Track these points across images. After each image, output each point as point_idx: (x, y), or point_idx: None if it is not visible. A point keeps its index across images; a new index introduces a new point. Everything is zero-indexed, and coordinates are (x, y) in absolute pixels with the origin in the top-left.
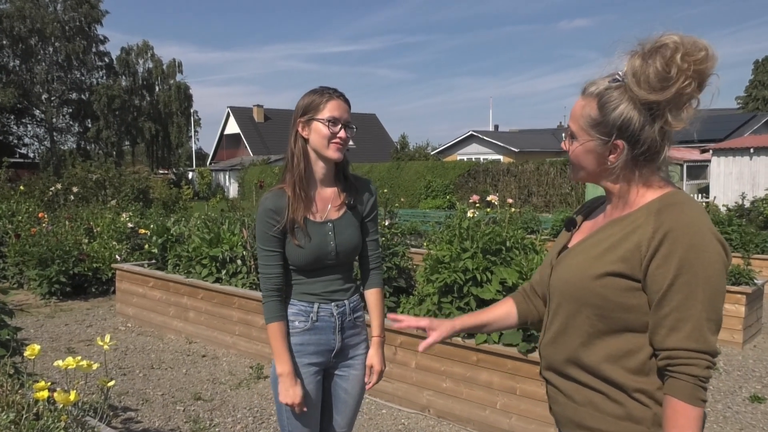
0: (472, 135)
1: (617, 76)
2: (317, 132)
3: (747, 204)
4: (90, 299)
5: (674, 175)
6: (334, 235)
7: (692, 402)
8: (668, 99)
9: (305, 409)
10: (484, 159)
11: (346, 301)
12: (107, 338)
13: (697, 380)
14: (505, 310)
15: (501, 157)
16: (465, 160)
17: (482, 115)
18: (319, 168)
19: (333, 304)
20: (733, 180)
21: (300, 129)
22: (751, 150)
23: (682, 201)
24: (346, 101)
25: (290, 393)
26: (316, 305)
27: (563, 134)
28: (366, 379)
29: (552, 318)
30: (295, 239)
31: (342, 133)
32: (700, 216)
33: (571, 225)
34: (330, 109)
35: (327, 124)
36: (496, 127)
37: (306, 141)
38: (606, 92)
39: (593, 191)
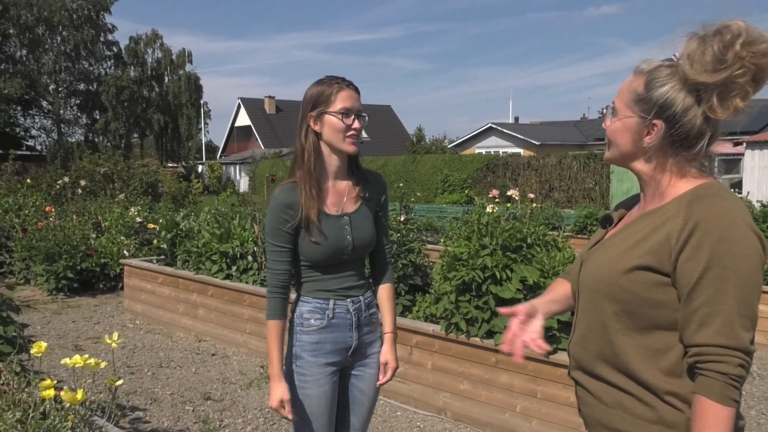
0: (491, 127)
1: (672, 57)
2: (330, 126)
3: None
4: (98, 295)
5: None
6: (350, 229)
7: (723, 401)
8: (717, 83)
9: (290, 417)
10: (503, 152)
11: (361, 297)
12: (115, 336)
13: (728, 378)
14: (564, 289)
15: (521, 151)
16: (483, 153)
17: (502, 106)
18: (333, 161)
19: (349, 300)
20: None
21: (311, 123)
22: None
23: (716, 192)
24: (356, 89)
25: (277, 395)
26: (331, 302)
27: (603, 111)
28: (380, 377)
29: (581, 316)
30: (311, 235)
31: (356, 124)
32: (734, 207)
33: (606, 222)
34: (342, 100)
35: (340, 116)
36: (516, 119)
37: (318, 135)
38: (656, 70)
39: (617, 186)
